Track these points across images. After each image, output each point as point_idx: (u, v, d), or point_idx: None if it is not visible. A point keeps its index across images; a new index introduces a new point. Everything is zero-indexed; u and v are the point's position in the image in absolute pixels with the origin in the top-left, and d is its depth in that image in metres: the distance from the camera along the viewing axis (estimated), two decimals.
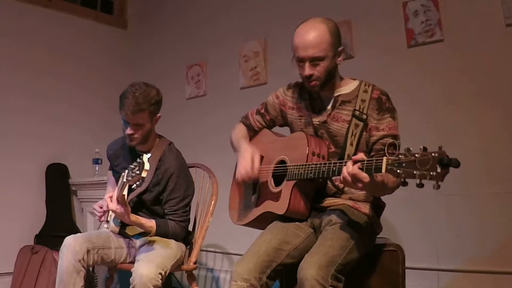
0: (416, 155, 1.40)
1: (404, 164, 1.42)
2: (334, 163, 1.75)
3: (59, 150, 4.11)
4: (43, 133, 4.02)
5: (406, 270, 1.92)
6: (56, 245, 2.73)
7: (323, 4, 3.18)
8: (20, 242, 3.64)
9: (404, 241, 2.39)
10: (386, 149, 1.55)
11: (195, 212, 2.76)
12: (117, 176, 2.54)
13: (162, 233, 2.37)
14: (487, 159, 2.56)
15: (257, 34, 3.68)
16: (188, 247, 2.58)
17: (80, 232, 3.22)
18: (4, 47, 3.86)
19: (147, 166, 1.90)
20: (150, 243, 2.33)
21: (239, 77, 3.78)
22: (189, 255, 2.57)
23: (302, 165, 1.86)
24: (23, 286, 3.35)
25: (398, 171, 1.43)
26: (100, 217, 2.40)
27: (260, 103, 2.26)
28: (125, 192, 2.13)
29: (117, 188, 2.29)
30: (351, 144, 1.87)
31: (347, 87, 1.97)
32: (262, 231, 1.99)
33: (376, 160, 1.53)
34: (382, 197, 1.99)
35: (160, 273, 2.12)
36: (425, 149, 1.40)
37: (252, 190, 2.15)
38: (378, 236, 2.01)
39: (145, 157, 1.91)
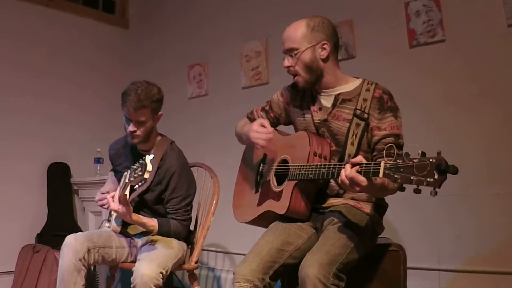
0: (414, 160, 1.39)
1: (401, 169, 1.41)
2: (333, 165, 1.74)
3: (61, 149, 4.11)
4: (44, 132, 4.03)
5: (407, 270, 1.92)
6: (57, 244, 2.73)
7: (325, 4, 3.17)
8: (21, 241, 3.64)
9: (405, 241, 2.39)
10: (384, 152, 1.55)
11: (197, 211, 2.76)
12: (119, 176, 2.55)
13: (164, 232, 2.37)
14: (488, 160, 2.56)
15: (259, 34, 3.68)
16: (190, 246, 2.59)
17: (82, 231, 3.21)
18: (5, 46, 3.86)
19: (149, 167, 1.90)
20: (152, 242, 2.33)
21: (241, 77, 3.78)
22: (191, 255, 2.57)
23: (303, 165, 1.86)
24: (25, 285, 3.35)
25: (395, 176, 1.43)
26: (102, 205, 2.44)
27: (262, 103, 2.26)
28: (127, 192, 2.13)
29: (119, 188, 2.29)
30: (352, 144, 1.86)
31: (348, 85, 1.96)
32: (264, 231, 1.99)
33: (374, 164, 1.53)
34: (385, 197, 1.98)
35: (161, 273, 2.12)
36: (423, 154, 1.39)
37: (255, 188, 2.15)
38: (379, 236, 2.01)
39: (148, 158, 1.91)
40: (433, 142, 2.65)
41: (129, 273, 2.15)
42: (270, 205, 2.01)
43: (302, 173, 1.85)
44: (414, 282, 2.41)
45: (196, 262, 2.56)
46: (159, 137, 2.53)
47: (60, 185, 4.03)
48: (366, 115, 1.87)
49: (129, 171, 2.06)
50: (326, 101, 1.98)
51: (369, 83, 1.93)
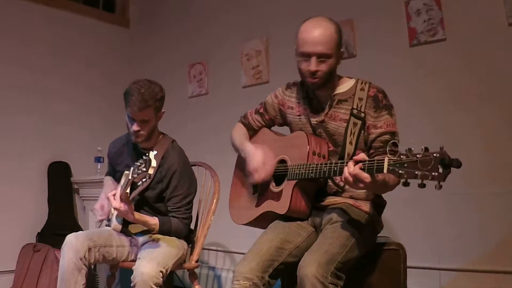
0: (418, 155, 1.40)
1: (405, 165, 1.43)
2: (335, 163, 1.75)
3: (61, 148, 4.12)
4: (45, 131, 4.03)
5: (408, 269, 1.92)
6: (58, 243, 2.72)
7: (326, 3, 3.17)
8: (22, 240, 3.64)
9: (405, 240, 2.37)
10: (387, 148, 1.55)
11: (197, 210, 2.76)
12: (119, 175, 2.54)
13: (165, 230, 2.37)
14: (489, 159, 2.55)
15: (259, 33, 3.68)
16: (190, 245, 2.59)
17: (82, 230, 3.21)
18: (6, 45, 3.86)
19: (154, 163, 1.89)
20: (153, 241, 2.33)
21: (241, 75, 3.78)
22: (191, 254, 2.57)
23: (303, 165, 1.86)
24: (25, 284, 3.35)
25: (400, 171, 1.44)
26: (101, 220, 2.42)
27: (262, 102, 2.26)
28: (128, 190, 2.13)
29: (119, 186, 2.29)
30: (351, 143, 1.87)
31: (343, 86, 1.97)
32: (263, 230, 1.99)
33: (377, 160, 1.53)
34: (383, 195, 1.99)
35: (161, 271, 2.12)
36: (426, 149, 1.40)
37: (252, 189, 2.15)
38: (379, 235, 2.01)
39: (152, 154, 1.91)
40: (433, 141, 2.61)
41: (130, 272, 2.15)
42: (270, 206, 2.01)
43: (302, 173, 1.85)
44: (415, 281, 2.40)
45: (197, 261, 2.56)
46: (160, 136, 2.53)
47: (60, 184, 4.04)
48: (362, 114, 1.88)
49: (131, 168, 2.06)
50: (323, 102, 1.99)
51: (363, 83, 1.94)
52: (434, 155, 1.36)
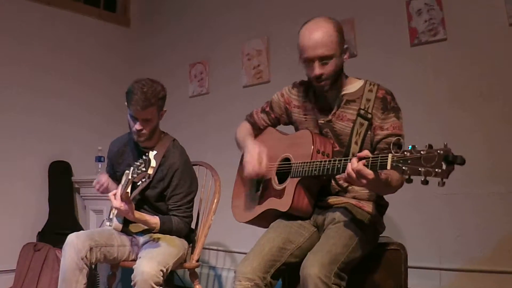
0: (422, 152, 1.40)
1: (409, 161, 1.43)
2: (339, 160, 1.74)
3: (62, 147, 4.12)
4: (46, 130, 4.03)
5: (408, 269, 1.92)
6: (58, 242, 2.73)
7: (326, 3, 3.17)
8: (22, 240, 3.65)
9: (406, 240, 2.39)
10: (391, 146, 1.55)
11: (198, 210, 2.77)
12: (119, 175, 2.55)
13: (166, 229, 2.37)
14: (490, 158, 2.55)
15: (260, 32, 3.68)
16: (191, 245, 2.59)
17: (83, 229, 3.22)
18: (7, 44, 3.86)
19: (153, 163, 1.90)
20: (153, 240, 2.33)
21: (242, 75, 3.77)
22: (192, 253, 2.58)
23: (307, 162, 1.86)
24: (26, 283, 3.35)
25: (403, 167, 1.44)
26: (99, 189, 2.49)
27: (263, 101, 2.26)
28: (129, 189, 2.13)
29: (120, 185, 2.29)
30: (356, 143, 1.87)
31: (352, 86, 1.97)
32: (265, 230, 1.99)
33: (381, 157, 1.53)
34: (385, 196, 1.99)
35: (162, 270, 2.12)
36: (430, 146, 1.40)
37: (255, 187, 2.15)
38: (380, 235, 2.01)
39: (151, 154, 1.91)
40: (434, 140, 2.61)
41: (131, 271, 2.15)
42: (272, 203, 2.01)
43: (305, 170, 1.85)
44: (415, 281, 2.41)
45: (197, 261, 2.57)
46: (162, 135, 2.53)
47: (61, 183, 4.04)
48: (369, 115, 1.88)
49: (131, 168, 2.06)
50: (331, 102, 1.99)
51: (371, 84, 1.93)
52: (438, 151, 1.36)
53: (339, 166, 1.73)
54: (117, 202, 2.15)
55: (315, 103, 2.03)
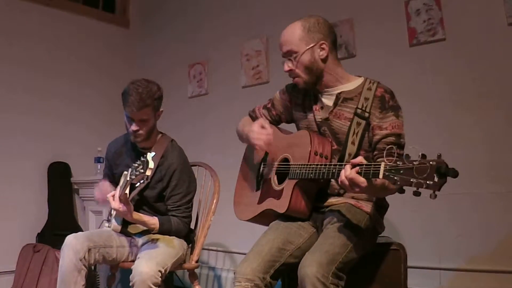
0: (414, 162, 1.38)
1: (401, 171, 1.41)
2: (334, 165, 1.74)
3: (61, 148, 4.11)
4: (45, 131, 4.03)
5: (408, 269, 1.92)
6: (58, 243, 2.72)
7: (325, 3, 3.17)
8: (22, 241, 3.64)
9: (406, 240, 2.39)
10: (385, 152, 1.54)
11: (197, 210, 2.76)
12: (118, 176, 2.54)
13: (165, 230, 2.37)
14: (490, 158, 2.55)
15: (259, 33, 3.68)
16: (190, 245, 2.58)
17: (82, 230, 3.22)
18: (6, 45, 3.86)
19: (151, 164, 1.90)
20: (152, 241, 2.33)
21: (241, 75, 3.77)
22: (191, 254, 2.57)
23: (304, 165, 1.85)
24: (25, 284, 3.35)
25: (395, 178, 1.42)
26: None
27: (262, 102, 2.26)
28: (127, 190, 2.13)
29: (119, 187, 2.29)
30: (353, 143, 1.86)
31: (350, 84, 1.95)
32: (264, 230, 1.99)
33: (374, 165, 1.52)
34: (386, 197, 1.98)
35: (160, 271, 2.12)
36: (423, 156, 1.37)
37: (256, 186, 2.15)
38: (380, 235, 2.00)
39: (149, 155, 1.91)
40: (434, 141, 2.65)
41: (130, 272, 2.15)
42: (271, 204, 2.01)
43: (302, 172, 1.85)
44: (415, 281, 2.40)
45: (197, 261, 2.56)
46: (159, 135, 2.53)
47: (60, 184, 4.03)
48: (367, 114, 1.86)
49: (129, 169, 2.06)
50: (328, 100, 1.98)
51: (371, 82, 1.92)
52: (431, 163, 1.34)
53: (334, 171, 1.72)
54: (116, 204, 2.15)
55: (313, 101, 2.03)
